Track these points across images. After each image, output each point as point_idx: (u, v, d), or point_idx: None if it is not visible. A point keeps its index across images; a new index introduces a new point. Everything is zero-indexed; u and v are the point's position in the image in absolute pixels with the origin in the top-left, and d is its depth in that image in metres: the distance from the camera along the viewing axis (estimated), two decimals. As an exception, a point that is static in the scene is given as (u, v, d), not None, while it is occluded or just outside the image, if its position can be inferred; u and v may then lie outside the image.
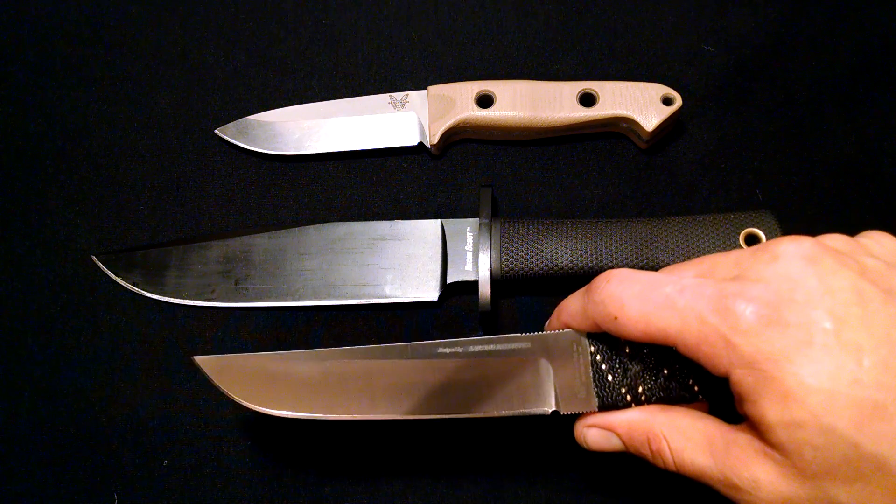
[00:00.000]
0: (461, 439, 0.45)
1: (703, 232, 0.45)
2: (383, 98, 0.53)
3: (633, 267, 0.45)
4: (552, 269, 0.45)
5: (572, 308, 0.34)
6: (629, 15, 0.56)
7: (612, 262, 0.45)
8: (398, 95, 0.52)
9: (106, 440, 0.46)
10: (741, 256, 0.30)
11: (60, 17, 0.58)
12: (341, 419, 0.35)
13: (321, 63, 0.56)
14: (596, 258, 0.45)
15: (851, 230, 0.49)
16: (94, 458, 0.46)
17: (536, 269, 0.46)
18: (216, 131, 0.53)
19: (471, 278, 0.47)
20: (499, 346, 0.35)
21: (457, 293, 0.49)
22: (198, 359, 0.36)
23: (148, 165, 0.53)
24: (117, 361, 0.48)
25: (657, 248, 0.45)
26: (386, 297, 0.47)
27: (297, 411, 0.35)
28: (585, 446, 0.35)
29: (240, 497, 0.45)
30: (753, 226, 0.44)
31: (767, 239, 0.44)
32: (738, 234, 0.44)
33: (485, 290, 0.45)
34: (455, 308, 0.49)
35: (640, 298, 0.30)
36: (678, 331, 0.29)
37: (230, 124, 0.53)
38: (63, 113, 0.55)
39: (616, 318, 0.31)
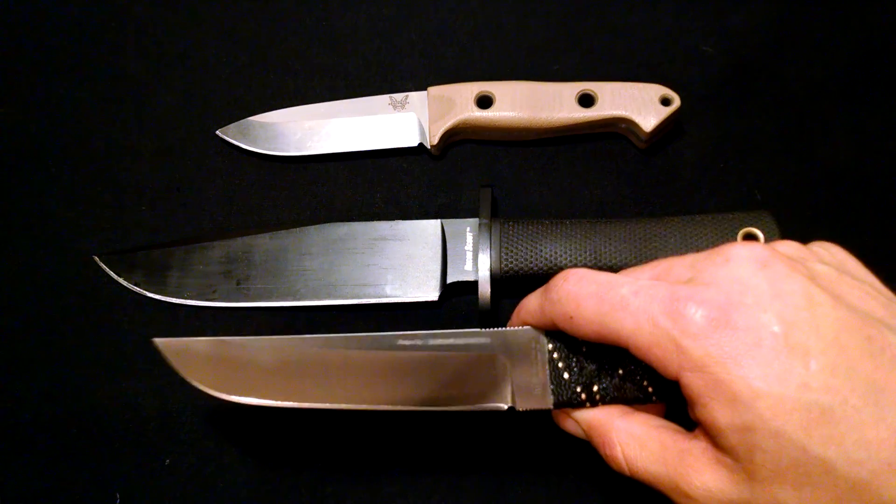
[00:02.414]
0: (462, 440, 0.45)
1: (702, 232, 0.45)
2: (383, 99, 0.53)
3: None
4: (552, 269, 0.46)
5: (531, 306, 0.35)
6: (629, 15, 0.56)
7: (611, 262, 0.45)
8: (398, 96, 0.53)
9: (108, 440, 0.46)
10: (696, 259, 0.31)
11: (60, 17, 0.58)
12: (297, 408, 0.35)
13: (321, 63, 0.56)
14: (595, 258, 0.45)
15: (850, 230, 0.49)
16: (95, 458, 0.46)
17: (536, 269, 0.46)
18: (217, 132, 0.53)
19: (471, 278, 0.47)
20: (457, 341, 0.35)
21: (457, 293, 0.49)
22: (157, 341, 0.36)
23: (149, 166, 0.53)
24: (119, 361, 0.48)
25: (656, 248, 0.45)
26: (386, 297, 0.47)
27: (254, 398, 0.35)
28: (559, 426, 0.36)
29: (241, 496, 0.45)
30: (752, 226, 0.45)
31: (766, 239, 0.44)
32: (737, 234, 0.45)
33: (485, 289, 0.46)
34: (455, 308, 0.49)
35: (595, 298, 0.30)
36: (630, 332, 0.29)
37: (231, 125, 0.53)
38: (64, 113, 0.55)
39: (571, 317, 0.31)
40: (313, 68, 0.56)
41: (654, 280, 0.31)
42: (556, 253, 0.46)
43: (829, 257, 0.31)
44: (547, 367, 0.34)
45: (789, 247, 0.31)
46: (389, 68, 0.56)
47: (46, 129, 0.55)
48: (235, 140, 0.53)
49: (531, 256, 0.46)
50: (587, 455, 0.44)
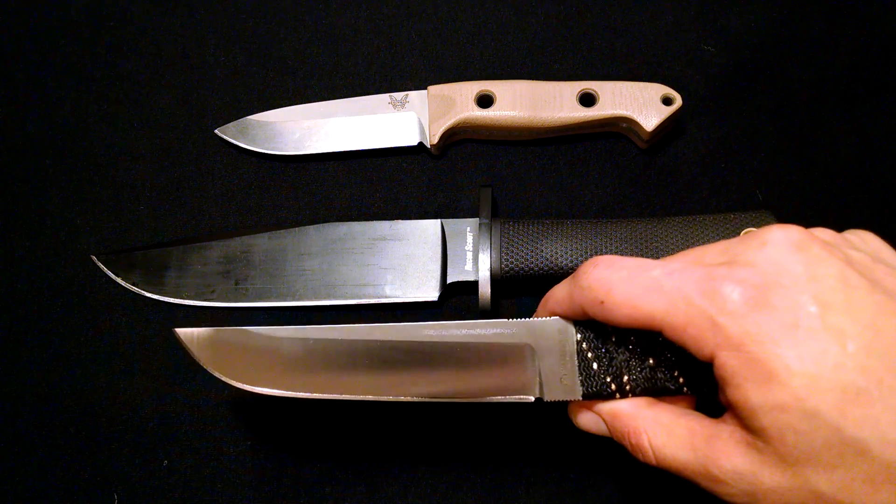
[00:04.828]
0: (462, 439, 0.45)
1: (703, 232, 0.45)
2: (383, 98, 0.53)
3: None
4: (552, 269, 0.45)
5: (559, 295, 0.34)
6: (629, 15, 0.56)
7: (612, 262, 0.45)
8: (398, 95, 0.52)
9: (106, 440, 0.46)
10: (730, 244, 0.31)
11: (60, 17, 0.58)
12: (323, 399, 0.34)
13: (321, 63, 0.56)
14: (596, 258, 0.45)
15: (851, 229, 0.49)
16: (93, 459, 0.46)
17: (536, 269, 0.46)
18: (216, 131, 0.53)
19: (471, 278, 0.47)
20: (484, 331, 0.34)
21: (457, 293, 0.49)
22: (179, 331, 0.35)
23: (148, 165, 0.53)
24: (117, 361, 0.48)
25: (657, 248, 0.45)
26: (386, 297, 0.47)
27: (279, 389, 0.34)
28: (576, 425, 0.36)
29: (240, 497, 0.45)
30: (753, 226, 0.44)
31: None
32: (738, 234, 0.44)
33: (485, 290, 0.45)
34: (455, 308, 0.49)
35: (627, 282, 0.30)
36: (665, 313, 0.29)
37: (230, 124, 0.53)
38: (63, 113, 0.55)
39: (603, 302, 0.31)
40: (312, 67, 0.56)
41: (687, 263, 0.30)
42: (556, 253, 0.45)
43: (863, 245, 0.31)
44: (576, 357, 0.34)
45: (824, 233, 0.31)
46: (389, 68, 0.56)
47: (45, 128, 0.55)
48: (234, 139, 0.53)
49: (531, 256, 0.46)
50: (588, 454, 0.44)
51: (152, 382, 0.47)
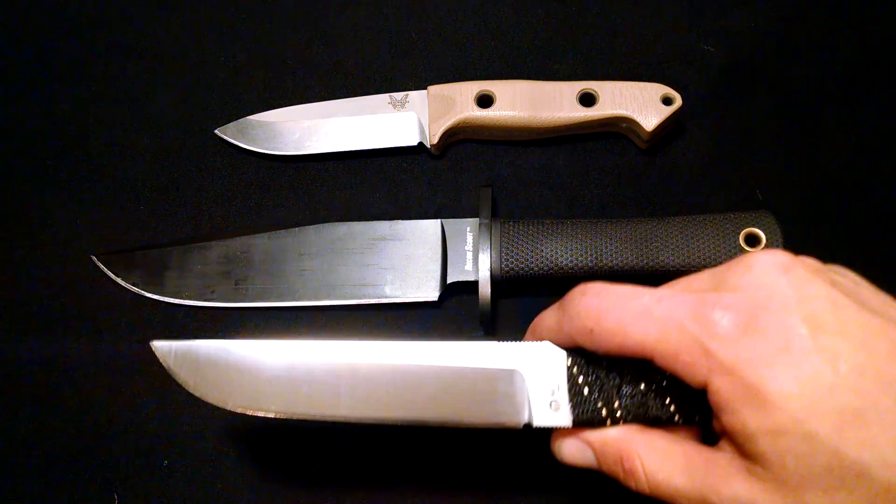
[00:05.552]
0: (459, 449, 0.45)
1: (703, 232, 0.45)
2: (383, 98, 0.52)
3: (633, 267, 0.45)
4: (552, 269, 0.45)
5: (547, 322, 0.34)
6: (629, 15, 0.56)
7: (612, 262, 0.45)
8: (398, 95, 0.52)
9: (106, 441, 0.46)
10: (717, 271, 0.31)
11: (60, 17, 0.58)
12: (303, 419, 0.33)
13: (321, 63, 0.56)
14: (596, 258, 0.45)
15: (851, 230, 0.49)
16: (93, 459, 0.46)
17: (536, 269, 0.46)
18: (216, 131, 0.53)
19: (471, 278, 0.47)
20: (473, 355, 0.34)
21: (457, 293, 0.49)
22: (156, 344, 0.34)
23: (148, 165, 0.53)
24: (117, 362, 0.48)
25: (657, 248, 0.45)
26: (386, 297, 0.47)
27: (258, 409, 0.33)
28: (560, 459, 0.34)
29: (240, 498, 0.45)
30: (753, 226, 0.44)
31: (767, 239, 0.44)
32: (738, 233, 0.44)
33: (485, 290, 0.45)
34: (455, 308, 0.49)
35: (616, 309, 0.30)
36: (655, 340, 0.29)
37: (230, 124, 0.53)
38: (63, 113, 0.55)
39: (592, 330, 0.30)
40: (312, 67, 0.56)
41: (675, 290, 0.30)
42: (556, 253, 0.45)
43: (845, 272, 0.31)
44: (566, 383, 0.33)
45: (807, 260, 0.31)
46: (389, 68, 0.55)
47: (45, 128, 0.55)
48: (234, 139, 0.53)
49: (531, 256, 0.46)
50: (581, 475, 0.44)
51: (152, 383, 0.47)
